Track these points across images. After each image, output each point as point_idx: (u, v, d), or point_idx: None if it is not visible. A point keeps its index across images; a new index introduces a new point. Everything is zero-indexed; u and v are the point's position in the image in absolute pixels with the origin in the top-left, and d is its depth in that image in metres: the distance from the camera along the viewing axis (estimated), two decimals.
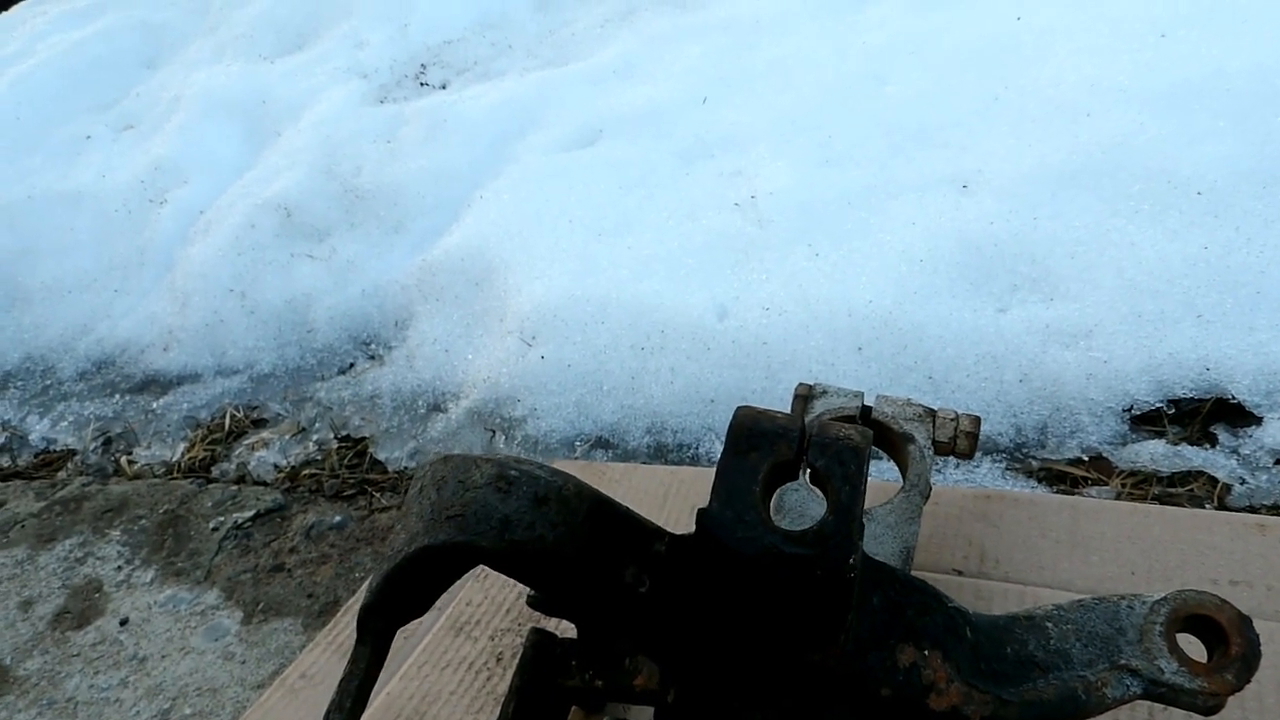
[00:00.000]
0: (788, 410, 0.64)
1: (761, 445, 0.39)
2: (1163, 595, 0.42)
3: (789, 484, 0.62)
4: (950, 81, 1.49)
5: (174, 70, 2.39)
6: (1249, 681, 0.39)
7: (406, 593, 0.38)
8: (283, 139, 1.97)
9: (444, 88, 2.11)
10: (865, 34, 1.71)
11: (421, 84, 2.14)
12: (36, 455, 1.48)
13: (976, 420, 0.65)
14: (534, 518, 0.37)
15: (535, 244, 1.41)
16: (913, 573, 0.60)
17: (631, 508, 0.42)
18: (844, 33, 1.74)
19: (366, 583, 0.41)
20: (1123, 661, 0.41)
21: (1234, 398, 0.96)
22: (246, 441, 1.38)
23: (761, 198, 1.37)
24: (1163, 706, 0.45)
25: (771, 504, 0.61)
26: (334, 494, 1.23)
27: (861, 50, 1.66)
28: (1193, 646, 0.41)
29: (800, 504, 0.62)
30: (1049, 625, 0.44)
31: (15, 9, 3.01)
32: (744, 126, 1.56)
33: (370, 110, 1.98)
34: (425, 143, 1.80)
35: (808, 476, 0.41)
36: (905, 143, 1.39)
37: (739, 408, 0.41)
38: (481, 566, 0.38)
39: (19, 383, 1.65)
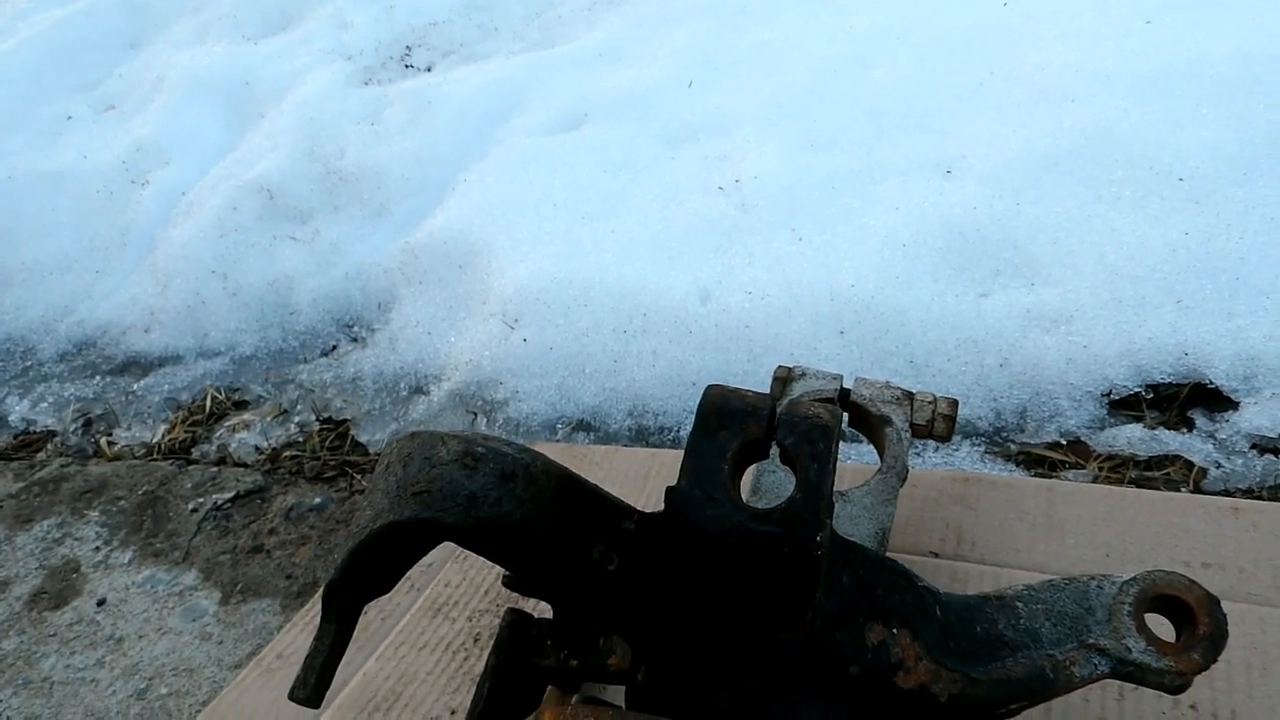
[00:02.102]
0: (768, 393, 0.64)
1: (731, 424, 0.39)
2: (1132, 576, 0.42)
3: (767, 466, 0.62)
4: (936, 67, 1.48)
5: (157, 50, 2.37)
6: (1215, 661, 0.40)
7: (372, 569, 0.38)
8: (266, 120, 1.95)
9: (429, 70, 2.10)
10: (851, 19, 1.70)
11: (406, 66, 2.13)
12: (16, 436, 1.47)
13: (954, 403, 0.65)
14: (500, 494, 0.36)
15: (519, 227, 1.41)
16: (889, 554, 0.61)
17: (612, 490, 0.42)
18: (830, 17, 1.74)
19: None
20: (1091, 641, 0.41)
21: (1211, 382, 0.97)
22: (227, 423, 1.37)
23: (746, 182, 1.36)
24: (1132, 685, 0.45)
25: (749, 485, 0.62)
26: (314, 476, 1.22)
27: (847, 35, 1.65)
28: (1163, 627, 0.41)
29: (777, 486, 0.62)
30: (1019, 605, 0.44)
31: None
32: (729, 110, 1.56)
33: (354, 92, 1.97)
34: (409, 125, 1.78)
35: (777, 455, 0.41)
36: (890, 128, 1.39)
37: (709, 387, 0.41)
38: (460, 548, 0.38)
39: None
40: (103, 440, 1.40)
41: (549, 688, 0.50)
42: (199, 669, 0.95)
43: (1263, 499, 0.88)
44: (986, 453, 1.00)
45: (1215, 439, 0.95)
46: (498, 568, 0.63)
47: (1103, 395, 1.00)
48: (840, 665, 0.40)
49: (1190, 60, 1.25)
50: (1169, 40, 1.31)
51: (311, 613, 0.74)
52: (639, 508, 0.41)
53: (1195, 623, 0.40)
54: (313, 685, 0.36)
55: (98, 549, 1.16)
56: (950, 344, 1.06)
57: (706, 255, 1.26)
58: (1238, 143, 1.12)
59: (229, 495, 1.21)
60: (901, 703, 0.40)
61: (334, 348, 1.48)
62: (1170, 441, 0.95)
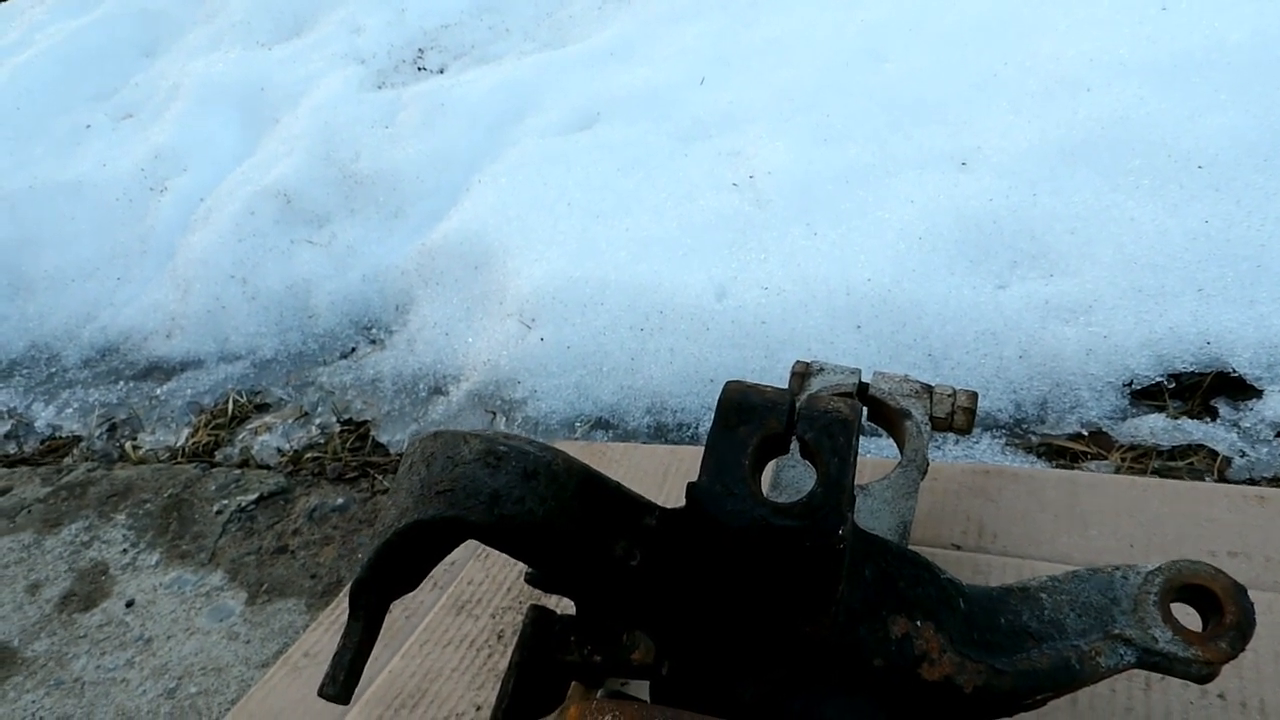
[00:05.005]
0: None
1: (751, 419, 0.39)
2: (1157, 565, 0.42)
3: (787, 460, 0.62)
4: (949, 57, 1.48)
5: (172, 58, 2.39)
6: (1243, 650, 0.39)
7: (397, 567, 0.38)
8: (281, 125, 1.97)
9: (442, 72, 2.10)
10: (863, 11, 1.70)
11: (419, 68, 2.14)
12: (42, 442, 1.49)
13: (973, 396, 0.65)
14: (523, 492, 0.37)
15: (534, 227, 1.41)
16: (910, 547, 0.61)
17: (632, 487, 0.42)
18: (841, 10, 1.73)
19: None
20: (1116, 631, 0.41)
21: (1234, 371, 0.96)
22: (250, 426, 1.39)
23: (760, 177, 1.36)
24: (1159, 675, 0.45)
25: (769, 480, 0.62)
26: (336, 476, 1.23)
27: (859, 27, 1.64)
28: (1189, 617, 0.41)
29: (797, 480, 0.62)
30: (1043, 596, 0.44)
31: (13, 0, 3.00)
32: (742, 106, 1.56)
33: (368, 95, 1.98)
34: (423, 127, 1.79)
35: (798, 450, 0.41)
36: (904, 120, 1.39)
37: (728, 382, 0.41)
38: (482, 546, 0.38)
39: (24, 371, 1.65)
40: (127, 444, 1.42)
41: (573, 683, 0.50)
42: (227, 668, 0.96)
43: None
44: (1007, 445, 0.99)
45: (1239, 428, 0.94)
46: (520, 565, 0.64)
47: (1124, 385, 1.00)
48: (864, 658, 0.40)
49: (1207, 46, 1.24)
50: (1185, 26, 1.30)
51: (337, 611, 0.74)
52: (660, 503, 0.41)
53: (1222, 611, 0.40)
54: (342, 682, 0.37)
55: (125, 551, 1.17)
56: (969, 336, 1.06)
57: (721, 252, 1.26)
58: (1257, 129, 1.11)
59: (253, 497, 1.22)
60: (926, 695, 0.40)
61: (353, 350, 1.49)
62: (1193, 431, 0.95)
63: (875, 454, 0.97)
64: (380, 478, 1.22)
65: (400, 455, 1.25)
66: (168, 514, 1.23)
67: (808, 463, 0.60)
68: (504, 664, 0.62)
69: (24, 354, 1.69)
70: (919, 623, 0.41)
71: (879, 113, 1.42)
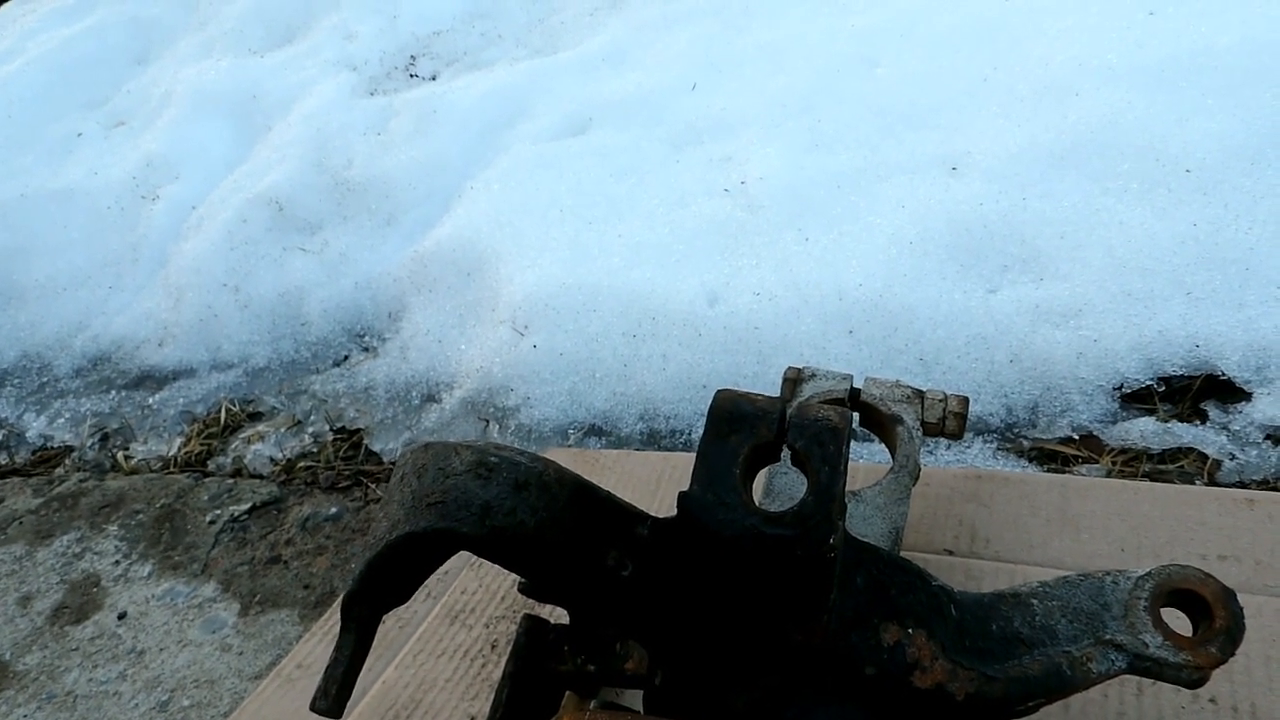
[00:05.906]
0: (778, 394, 0.64)
1: (741, 428, 0.40)
2: (1147, 570, 0.42)
3: (779, 468, 0.63)
4: (940, 63, 1.48)
5: (164, 66, 2.38)
6: (1233, 654, 0.39)
7: (389, 579, 0.38)
8: (273, 133, 1.96)
9: (434, 79, 2.10)
10: (855, 16, 1.70)
11: (411, 75, 2.14)
12: (34, 452, 1.49)
13: (964, 401, 0.65)
14: (514, 503, 0.37)
15: (526, 233, 1.41)
16: (903, 553, 0.61)
17: (624, 494, 0.42)
18: (833, 16, 1.74)
19: None
20: (1107, 636, 0.41)
21: (1224, 374, 0.97)
22: (242, 435, 1.38)
23: (751, 183, 1.36)
24: (1150, 681, 0.45)
25: (762, 488, 0.62)
26: (329, 486, 1.23)
27: (851, 33, 1.65)
28: (1180, 622, 0.41)
29: (789, 487, 0.62)
30: (1034, 602, 0.44)
31: (5, 7, 3.00)
32: (734, 112, 1.56)
33: (360, 102, 1.98)
34: (415, 134, 1.79)
35: (788, 458, 0.41)
36: (895, 125, 1.39)
37: (719, 391, 0.41)
38: (476, 556, 0.38)
39: (16, 380, 1.65)
40: (120, 454, 1.41)
41: (567, 693, 0.50)
42: (220, 680, 0.96)
43: (1278, 490, 0.88)
44: (999, 449, 1.00)
45: (1229, 431, 0.94)
46: (513, 575, 0.64)
47: (1114, 389, 1.00)
48: (856, 666, 0.40)
49: (1195, 51, 1.25)
50: (1173, 31, 1.31)
51: (330, 622, 0.74)
52: (652, 511, 0.41)
53: (1212, 616, 0.40)
54: (334, 695, 0.37)
55: (117, 562, 1.17)
56: (960, 341, 1.06)
57: (714, 257, 1.26)
58: (1245, 133, 1.12)
59: (245, 507, 1.22)
60: (918, 703, 0.41)
61: (346, 358, 1.48)
62: (1183, 434, 0.95)
63: (867, 459, 0.97)
64: (373, 486, 1.22)
65: (393, 464, 1.25)
66: (160, 524, 1.22)
67: (800, 470, 0.60)
68: (498, 674, 0.62)
69: (15, 363, 1.68)
70: (910, 630, 0.41)
71: (870, 118, 1.42)
